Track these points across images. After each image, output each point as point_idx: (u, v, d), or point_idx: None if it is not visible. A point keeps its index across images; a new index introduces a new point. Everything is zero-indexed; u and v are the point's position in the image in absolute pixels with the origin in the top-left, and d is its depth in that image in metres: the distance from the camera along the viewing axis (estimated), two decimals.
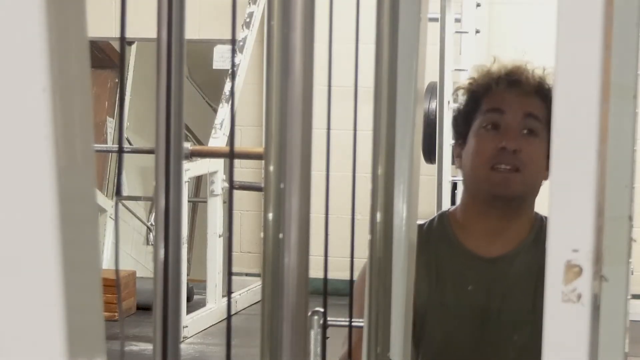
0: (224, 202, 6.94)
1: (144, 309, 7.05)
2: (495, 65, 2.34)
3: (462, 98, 2.38)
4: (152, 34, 1.03)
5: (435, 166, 6.73)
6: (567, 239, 0.91)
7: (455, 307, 2.31)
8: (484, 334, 2.29)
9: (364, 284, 1.49)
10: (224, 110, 7.12)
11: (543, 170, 2.29)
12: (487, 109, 2.30)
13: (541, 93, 2.30)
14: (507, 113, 2.28)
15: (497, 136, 2.27)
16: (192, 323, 6.66)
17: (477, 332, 2.29)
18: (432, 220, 2.40)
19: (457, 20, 7.00)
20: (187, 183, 6.65)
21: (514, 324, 2.29)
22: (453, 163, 2.48)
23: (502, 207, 2.31)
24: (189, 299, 7.13)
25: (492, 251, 2.33)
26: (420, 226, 2.33)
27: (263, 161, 1.12)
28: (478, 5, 7.14)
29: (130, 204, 8.68)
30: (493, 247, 2.33)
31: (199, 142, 8.36)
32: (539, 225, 2.34)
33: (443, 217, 2.40)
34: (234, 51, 1.40)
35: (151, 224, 8.32)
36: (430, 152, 6.65)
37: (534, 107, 2.29)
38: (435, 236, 2.36)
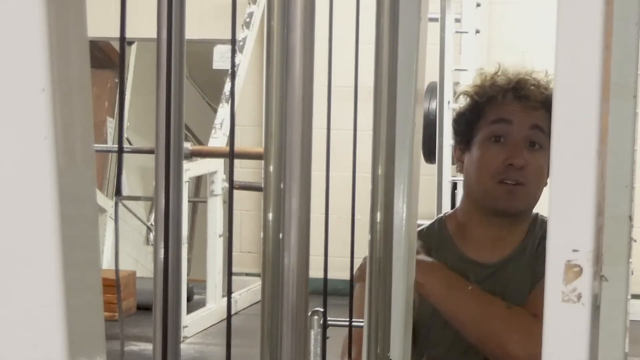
0: (224, 202, 6.94)
1: (144, 309, 7.05)
2: (501, 77, 2.30)
3: (463, 101, 2.34)
4: (152, 34, 1.03)
5: (435, 166, 6.73)
6: (567, 239, 0.91)
7: None
8: None
9: (363, 281, 1.48)
10: (224, 110, 7.12)
11: (545, 179, 2.28)
12: (493, 120, 2.28)
13: (547, 104, 2.26)
14: (514, 125, 2.26)
15: (503, 150, 2.25)
16: (192, 323, 6.66)
17: None
18: (431, 226, 2.39)
19: (457, 20, 7.00)
20: (187, 183, 6.64)
21: None
22: (453, 163, 2.43)
23: (505, 218, 2.31)
24: (189, 299, 7.13)
25: (492, 257, 2.32)
26: (420, 231, 2.32)
27: (263, 161, 1.12)
28: (478, 5, 7.14)
29: (130, 204, 8.69)
30: (492, 253, 2.32)
31: (199, 142, 8.36)
32: (533, 225, 2.34)
33: (441, 222, 2.39)
34: (234, 51, 1.40)
35: (151, 224, 8.31)
36: (430, 152, 6.64)
37: (540, 119, 2.26)
38: (435, 243, 2.35)
